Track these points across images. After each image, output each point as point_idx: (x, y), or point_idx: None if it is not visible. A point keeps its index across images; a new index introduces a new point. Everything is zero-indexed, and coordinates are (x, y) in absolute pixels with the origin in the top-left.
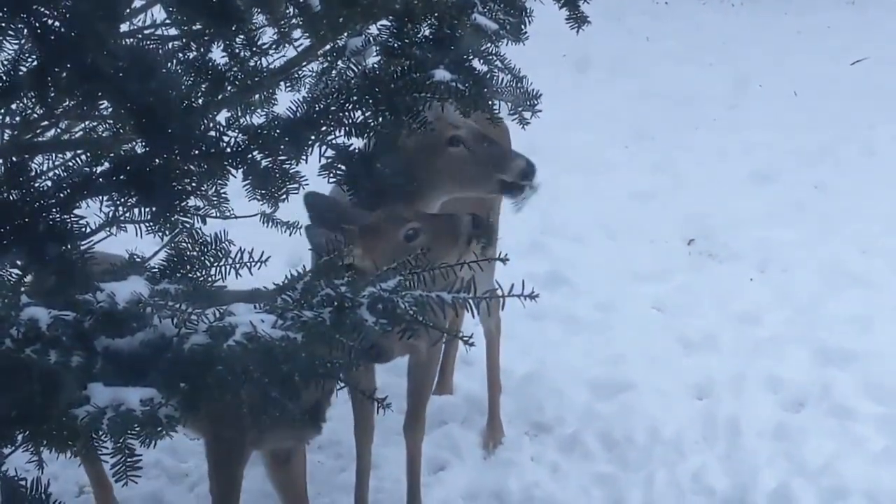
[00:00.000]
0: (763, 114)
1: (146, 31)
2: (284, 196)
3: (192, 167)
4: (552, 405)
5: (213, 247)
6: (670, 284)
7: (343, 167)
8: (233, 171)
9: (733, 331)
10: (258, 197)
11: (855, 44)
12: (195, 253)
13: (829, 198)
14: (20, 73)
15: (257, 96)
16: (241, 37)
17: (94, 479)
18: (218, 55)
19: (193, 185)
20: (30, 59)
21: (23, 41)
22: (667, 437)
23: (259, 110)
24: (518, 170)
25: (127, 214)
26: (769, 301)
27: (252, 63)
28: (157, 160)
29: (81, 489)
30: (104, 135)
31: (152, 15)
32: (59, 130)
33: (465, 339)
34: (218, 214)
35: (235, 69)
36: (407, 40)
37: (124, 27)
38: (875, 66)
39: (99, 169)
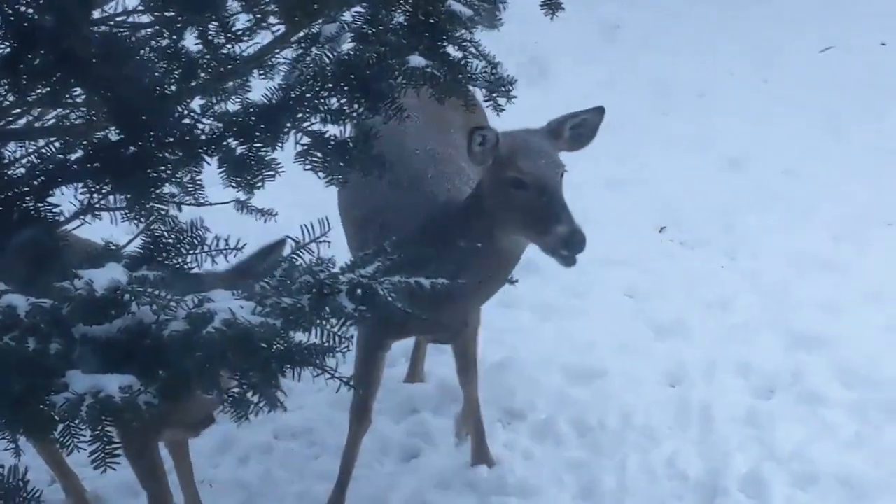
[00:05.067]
0: (733, 101)
1: (118, 19)
2: (260, 183)
3: (166, 154)
4: (524, 392)
5: (190, 234)
6: (642, 271)
7: (319, 154)
8: (208, 158)
9: (704, 317)
10: (233, 184)
11: (824, 32)
12: (171, 240)
13: (798, 184)
14: None
15: (231, 83)
16: (215, 23)
17: (57, 469)
18: (191, 42)
19: (168, 172)
20: (2, 46)
21: None
22: (639, 423)
23: (234, 97)
24: (558, 237)
25: (102, 202)
26: (740, 287)
27: (226, 50)
28: (131, 147)
29: (54, 478)
30: (77, 122)
31: (124, 2)
32: (31, 118)
33: None
34: (193, 201)
35: (208, 56)
36: (381, 27)
37: (97, 14)
38: (843, 53)
39: (73, 156)
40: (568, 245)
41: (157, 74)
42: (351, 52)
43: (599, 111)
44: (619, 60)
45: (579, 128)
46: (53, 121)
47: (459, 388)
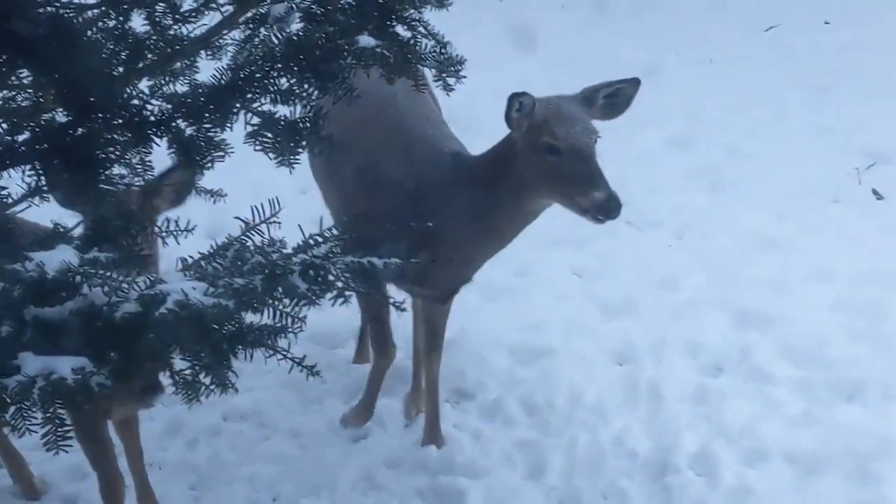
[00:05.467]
0: (679, 81)
1: (64, 0)
2: (209, 164)
3: (115, 136)
4: (473, 372)
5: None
6: (589, 250)
7: (269, 134)
8: (157, 139)
9: (652, 296)
10: (178, 171)
11: (769, 11)
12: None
13: (744, 163)
14: None
15: (179, 64)
16: (163, 4)
17: (4, 454)
18: (138, 23)
19: (117, 153)
20: None
21: None
22: (588, 402)
23: (182, 78)
24: (595, 202)
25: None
26: (687, 266)
27: (173, 31)
28: (79, 129)
29: (0, 464)
30: (24, 104)
31: None
32: None
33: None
34: (142, 183)
35: (156, 37)
36: (330, 7)
37: None
38: (787, 32)
39: (20, 138)
40: (605, 210)
41: (104, 56)
42: (300, 33)
43: (635, 83)
44: (564, 40)
45: (613, 97)
46: (0, 103)
47: (408, 369)
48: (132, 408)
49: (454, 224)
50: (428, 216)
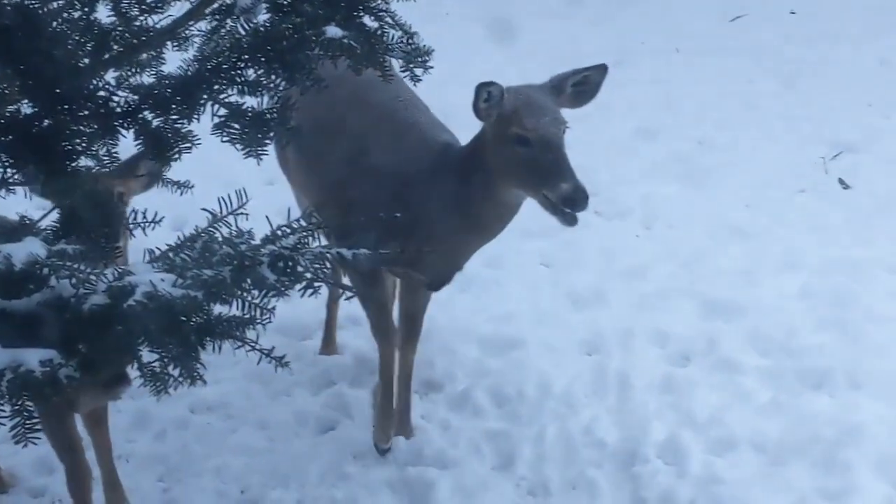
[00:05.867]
0: (646, 70)
1: None
2: (176, 156)
3: (82, 127)
4: (442, 363)
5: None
6: (558, 241)
7: (236, 126)
8: (123, 131)
9: (621, 286)
10: (150, 157)
11: (734, 0)
12: (87, 214)
13: (711, 152)
14: None
15: (145, 56)
16: None
17: None
18: (104, 14)
19: (84, 145)
20: None
21: None
22: (557, 392)
23: (148, 70)
24: (562, 193)
25: (16, 176)
26: (656, 256)
27: (139, 22)
28: (45, 121)
29: None
30: None
31: None
32: None
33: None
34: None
35: (121, 28)
36: None
37: None
38: (754, 21)
39: None
40: (572, 202)
41: (69, 47)
42: (267, 24)
43: (602, 69)
44: (530, 30)
45: (581, 85)
46: None
47: (375, 361)
48: (99, 400)
49: (442, 214)
50: (418, 205)
